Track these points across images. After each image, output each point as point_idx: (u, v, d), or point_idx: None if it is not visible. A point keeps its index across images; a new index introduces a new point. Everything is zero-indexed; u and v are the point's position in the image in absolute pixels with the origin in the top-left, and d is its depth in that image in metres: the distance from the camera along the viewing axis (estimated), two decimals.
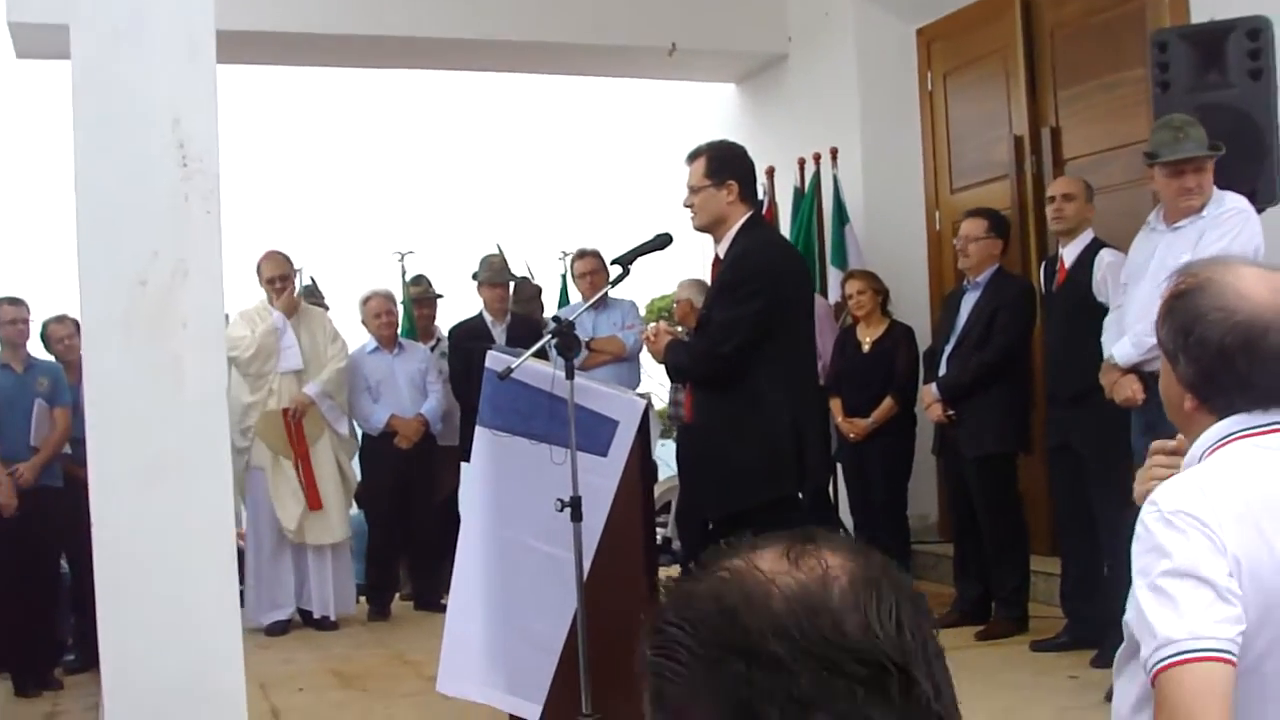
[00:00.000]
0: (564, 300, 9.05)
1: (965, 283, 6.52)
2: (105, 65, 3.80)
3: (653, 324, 5.05)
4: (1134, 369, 5.02)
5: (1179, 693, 1.69)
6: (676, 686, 1.04)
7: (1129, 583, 1.88)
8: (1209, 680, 1.69)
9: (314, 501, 7.41)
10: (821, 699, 0.98)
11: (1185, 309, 1.99)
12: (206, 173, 3.83)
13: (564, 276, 9.04)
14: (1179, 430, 2.09)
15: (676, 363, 4.61)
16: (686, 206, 4.68)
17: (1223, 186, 4.93)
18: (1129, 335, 5.03)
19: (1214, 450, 1.95)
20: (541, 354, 4.28)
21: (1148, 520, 1.85)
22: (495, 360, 4.34)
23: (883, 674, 0.99)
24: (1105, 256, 5.63)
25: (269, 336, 7.43)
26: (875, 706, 0.99)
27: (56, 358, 6.93)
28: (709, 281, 5.15)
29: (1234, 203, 4.87)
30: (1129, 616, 1.87)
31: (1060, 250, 5.95)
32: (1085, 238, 5.83)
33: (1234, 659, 1.71)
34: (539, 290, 8.93)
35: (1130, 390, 5.02)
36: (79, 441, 5.52)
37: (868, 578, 1.04)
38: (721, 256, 4.65)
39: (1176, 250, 4.85)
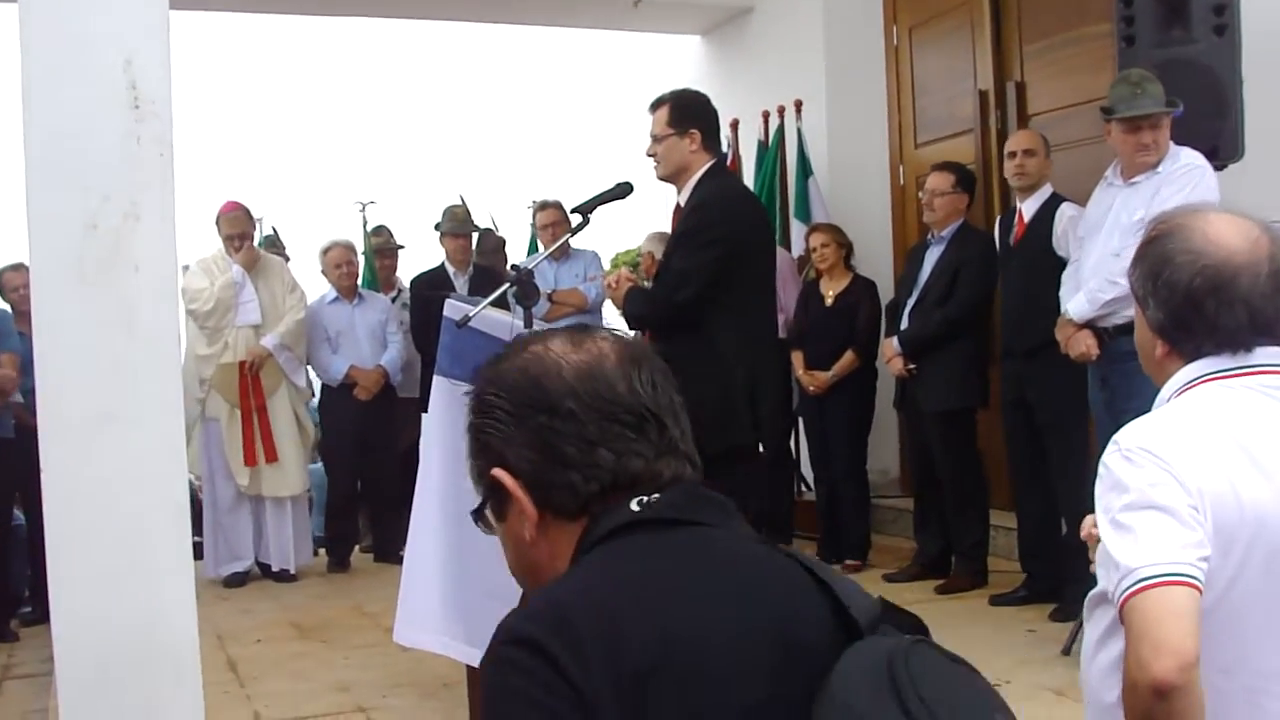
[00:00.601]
0: (533, 251, 9.00)
1: (929, 237, 6.51)
2: (55, 4, 3.71)
3: (614, 272, 4.99)
4: (1089, 324, 5.03)
5: (1143, 618, 1.71)
6: (497, 438, 1.45)
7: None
8: (1171, 602, 1.70)
9: (269, 454, 7.36)
10: (603, 439, 1.42)
11: (1155, 254, 2.02)
12: (160, 115, 3.74)
13: (533, 227, 8.98)
14: (1152, 380, 2.09)
15: (635, 311, 4.57)
16: (649, 156, 4.64)
17: (1183, 142, 4.92)
18: (1084, 290, 5.04)
19: (1182, 393, 1.97)
20: (501, 303, 4.23)
21: (1108, 459, 1.88)
22: (453, 308, 4.29)
23: (644, 421, 1.44)
24: (1066, 210, 5.64)
25: (227, 290, 7.35)
26: (639, 443, 1.43)
27: (12, 306, 6.84)
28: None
29: (1189, 158, 4.87)
30: (1098, 556, 1.89)
31: (1019, 204, 5.95)
32: (1044, 192, 5.84)
33: (1197, 583, 1.72)
34: (502, 242, 8.87)
35: (1085, 345, 5.04)
36: (31, 391, 5.44)
37: (631, 355, 1.47)
38: (683, 205, 4.62)
39: (1132, 206, 4.86)
